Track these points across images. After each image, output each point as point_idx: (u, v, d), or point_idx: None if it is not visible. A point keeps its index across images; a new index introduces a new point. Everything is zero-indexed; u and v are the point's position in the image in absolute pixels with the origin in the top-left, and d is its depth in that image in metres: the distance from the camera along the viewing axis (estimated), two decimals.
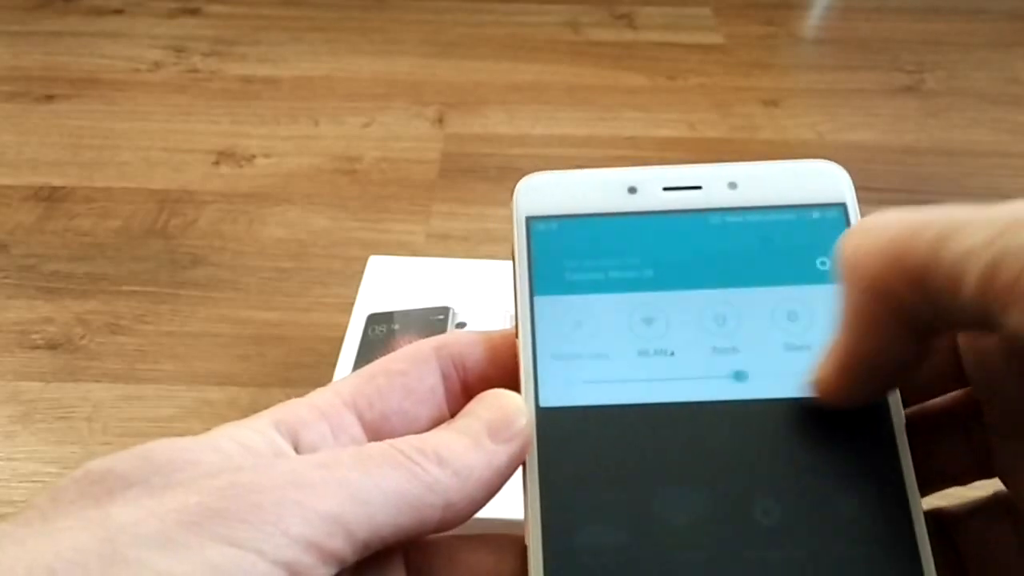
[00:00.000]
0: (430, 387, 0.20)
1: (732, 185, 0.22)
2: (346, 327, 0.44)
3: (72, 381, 0.51)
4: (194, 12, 0.93)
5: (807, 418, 0.20)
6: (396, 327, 0.44)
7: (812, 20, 0.97)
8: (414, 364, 0.20)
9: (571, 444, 0.20)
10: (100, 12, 0.93)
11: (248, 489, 0.16)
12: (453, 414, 0.20)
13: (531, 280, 0.21)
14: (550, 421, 0.20)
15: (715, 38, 0.90)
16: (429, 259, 0.52)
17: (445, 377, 0.20)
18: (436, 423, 0.20)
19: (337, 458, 0.17)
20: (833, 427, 0.20)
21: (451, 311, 0.50)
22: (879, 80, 0.83)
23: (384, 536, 0.17)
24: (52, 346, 0.53)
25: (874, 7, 0.97)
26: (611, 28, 0.92)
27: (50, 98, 0.78)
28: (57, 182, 0.68)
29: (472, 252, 0.59)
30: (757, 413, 0.20)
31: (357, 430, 0.19)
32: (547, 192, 0.22)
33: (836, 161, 0.23)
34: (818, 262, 0.21)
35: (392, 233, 0.63)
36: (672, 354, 0.21)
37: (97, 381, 0.51)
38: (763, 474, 0.19)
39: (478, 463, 0.18)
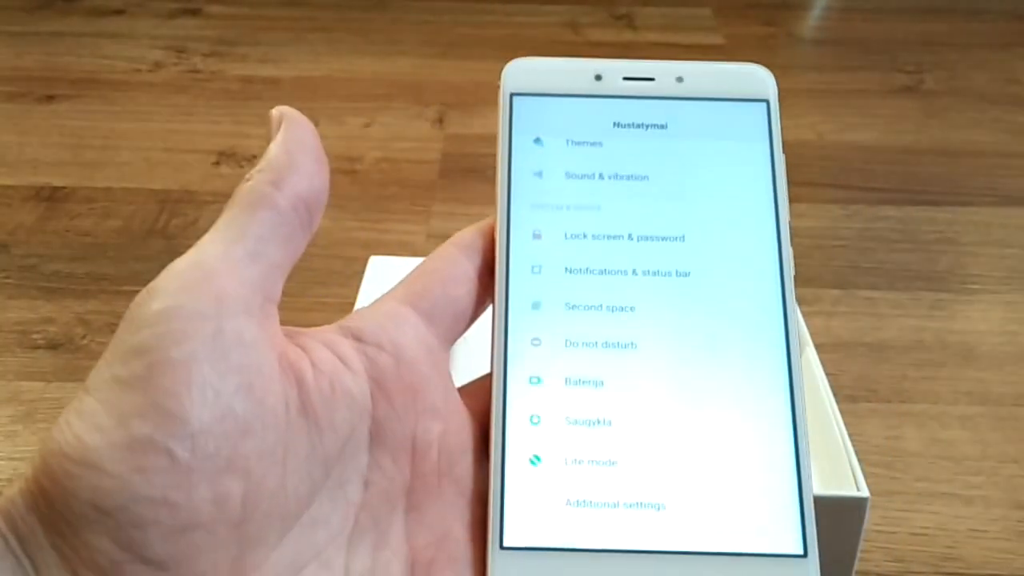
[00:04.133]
0: (462, 271, 0.24)
1: (679, 79, 0.26)
2: None
3: (73, 381, 0.51)
4: (195, 12, 0.93)
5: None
6: None
7: (811, 21, 0.97)
8: (443, 260, 0.24)
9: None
10: (101, 12, 0.93)
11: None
12: (482, 284, 0.24)
13: (510, 139, 0.25)
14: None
15: (715, 38, 0.91)
16: None
17: (469, 260, 0.24)
18: (474, 296, 0.24)
19: None
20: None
21: None
22: (879, 80, 0.83)
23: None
24: (53, 346, 0.53)
25: (873, 7, 0.97)
26: (611, 28, 0.92)
27: (51, 98, 0.79)
28: (58, 182, 0.68)
29: None
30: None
31: (415, 318, 0.23)
32: (529, 74, 0.26)
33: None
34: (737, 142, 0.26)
35: (392, 233, 0.63)
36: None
37: None
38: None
39: (281, 141, 0.22)
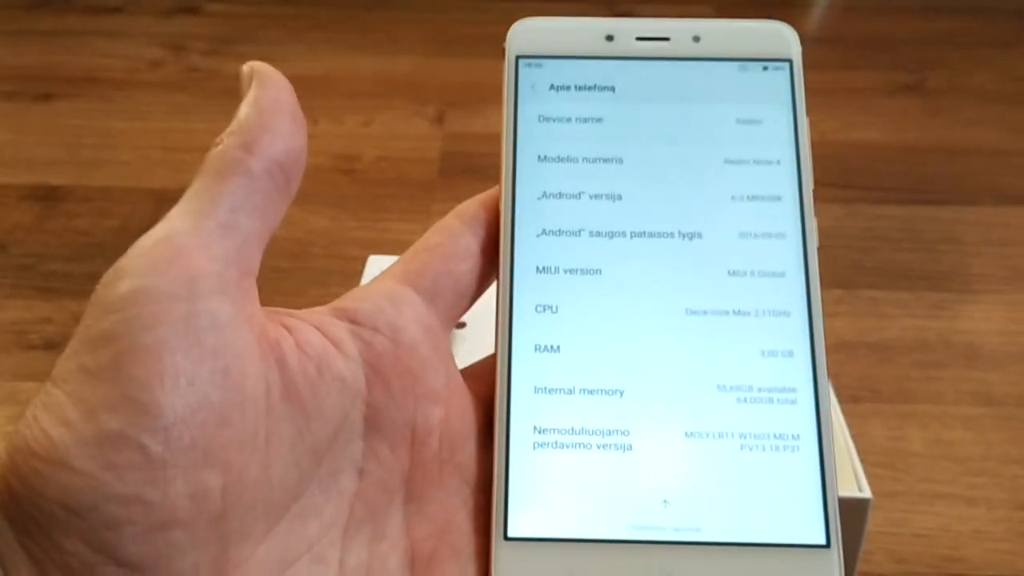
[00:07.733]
0: (465, 245, 0.23)
1: (696, 38, 0.24)
2: None
3: None
4: (193, 11, 0.93)
5: None
6: None
7: (813, 19, 0.97)
8: (445, 234, 0.23)
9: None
10: (98, 11, 0.92)
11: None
12: (485, 258, 0.23)
13: (516, 106, 0.24)
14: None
15: None
16: None
17: (472, 233, 0.23)
18: (478, 272, 0.23)
19: None
20: None
21: None
22: (881, 79, 0.83)
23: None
24: (50, 346, 0.53)
25: (875, 6, 0.96)
26: None
27: (48, 97, 0.78)
28: (55, 181, 0.68)
29: None
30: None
31: (414, 298, 0.22)
32: (536, 36, 0.25)
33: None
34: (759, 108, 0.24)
35: (391, 232, 0.63)
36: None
37: None
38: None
39: (252, 100, 0.20)
